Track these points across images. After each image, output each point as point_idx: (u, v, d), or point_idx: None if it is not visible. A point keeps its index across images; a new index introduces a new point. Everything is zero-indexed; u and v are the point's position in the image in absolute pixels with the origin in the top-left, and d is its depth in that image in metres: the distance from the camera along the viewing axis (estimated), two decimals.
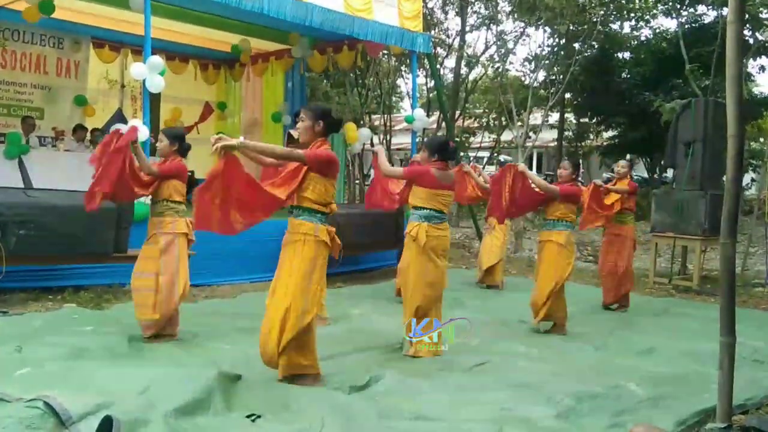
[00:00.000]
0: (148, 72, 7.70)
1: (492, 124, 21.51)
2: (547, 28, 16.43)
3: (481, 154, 23.38)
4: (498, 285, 8.90)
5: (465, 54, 18.47)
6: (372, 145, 18.53)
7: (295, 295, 4.20)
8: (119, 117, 11.38)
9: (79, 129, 10.61)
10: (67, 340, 5.07)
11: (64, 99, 11.36)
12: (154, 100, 9.16)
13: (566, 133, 22.18)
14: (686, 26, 16.38)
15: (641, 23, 18.47)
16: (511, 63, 19.09)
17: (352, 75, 17.76)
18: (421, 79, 18.23)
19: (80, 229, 6.44)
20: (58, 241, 6.41)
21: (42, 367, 4.31)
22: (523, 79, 19.24)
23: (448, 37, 19.18)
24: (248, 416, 3.67)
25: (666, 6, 16.94)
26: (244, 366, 4.59)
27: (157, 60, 7.82)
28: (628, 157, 22.10)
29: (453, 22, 20.02)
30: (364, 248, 9.12)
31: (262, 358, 4.38)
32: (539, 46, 17.79)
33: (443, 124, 16.36)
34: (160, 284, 5.31)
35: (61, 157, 9.55)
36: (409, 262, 5.37)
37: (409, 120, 11.29)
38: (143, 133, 7.51)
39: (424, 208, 5.32)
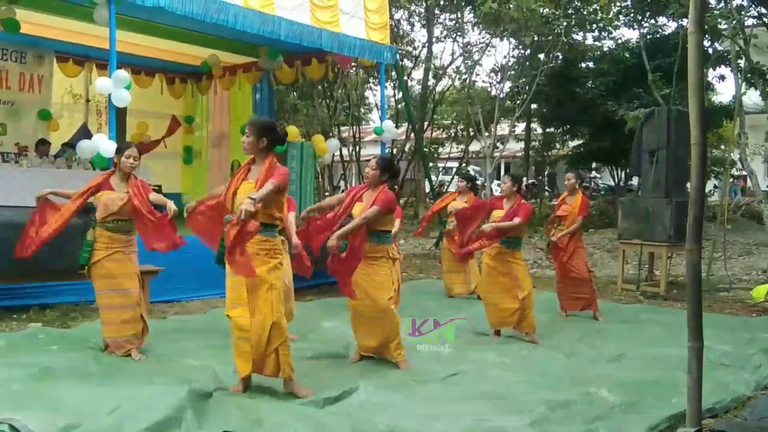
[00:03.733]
0: (114, 86, 7.62)
1: (460, 135, 21.68)
2: (512, 39, 16.64)
3: (449, 164, 23.53)
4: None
5: (432, 65, 18.62)
6: (341, 156, 18.55)
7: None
8: (84, 132, 11.22)
9: (41, 144, 10.41)
10: (33, 360, 4.96)
11: (28, 114, 11.16)
12: (120, 115, 9.06)
13: (533, 143, 22.43)
14: (647, 37, 16.69)
15: (604, 34, 18.79)
16: (477, 74, 19.29)
17: (320, 87, 17.78)
18: (389, 91, 18.34)
19: (44, 247, 6.30)
20: (22, 258, 6.27)
21: (7, 389, 4.22)
22: (489, 90, 19.43)
23: (414, 48, 19.32)
24: None
25: (628, 17, 17.24)
26: (216, 383, 4.54)
27: (123, 74, 7.74)
28: (593, 165, 22.46)
29: (419, 34, 20.18)
30: None
31: None
32: (505, 57, 17.97)
33: (412, 135, 16.44)
34: (138, 298, 5.44)
35: (25, 173, 9.37)
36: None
37: (378, 131, 11.32)
38: (109, 150, 7.41)
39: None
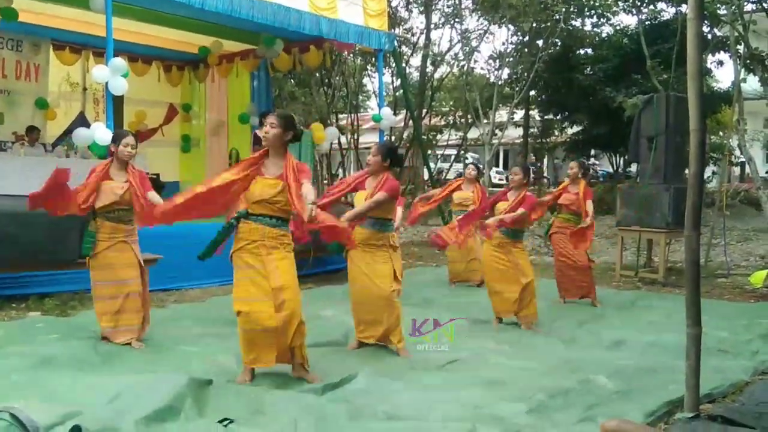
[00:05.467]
0: (111, 74, 7.58)
1: (458, 122, 21.63)
2: (510, 25, 16.58)
3: (448, 152, 23.51)
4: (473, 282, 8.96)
5: (430, 52, 18.55)
6: (339, 144, 18.52)
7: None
8: (82, 120, 11.18)
9: (30, 131, 10.39)
10: (32, 349, 4.97)
11: (25, 103, 11.12)
12: (117, 103, 9.01)
13: (531, 130, 22.41)
14: (646, 23, 16.63)
15: (602, 20, 18.73)
16: (475, 61, 19.26)
17: (318, 74, 17.71)
18: (387, 78, 18.28)
19: (43, 236, 6.32)
20: (21, 248, 6.28)
21: (7, 378, 4.23)
22: (488, 76, 19.38)
23: (412, 35, 19.25)
24: (220, 421, 3.63)
25: (626, 3, 17.19)
26: (215, 371, 4.56)
27: (120, 62, 7.70)
28: (592, 152, 22.42)
29: (417, 20, 20.10)
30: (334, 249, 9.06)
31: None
32: (503, 44, 17.92)
33: (410, 122, 16.41)
34: (140, 288, 5.42)
35: (22, 162, 9.35)
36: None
37: (377, 119, 11.29)
38: (105, 138, 7.40)
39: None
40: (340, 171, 20.91)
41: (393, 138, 18.76)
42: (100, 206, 5.29)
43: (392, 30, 12.91)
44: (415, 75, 20.23)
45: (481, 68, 20.38)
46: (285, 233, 4.47)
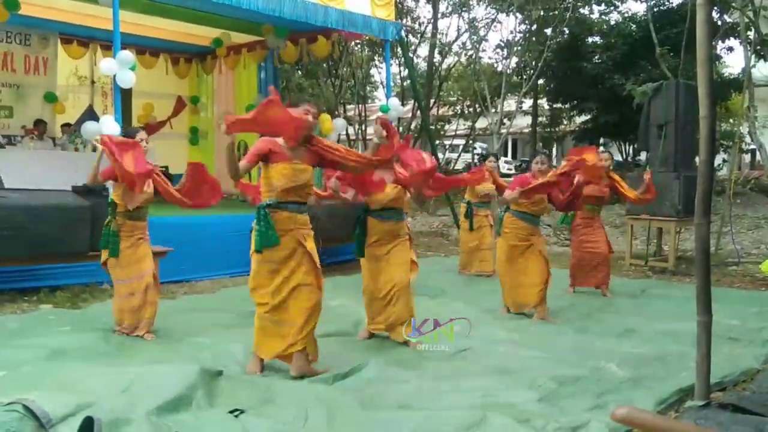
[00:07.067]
0: (119, 67, 7.60)
1: (466, 112, 21.58)
2: (518, 14, 16.50)
3: (456, 141, 23.46)
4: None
5: (438, 42, 18.49)
6: (347, 135, 18.50)
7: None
8: (90, 113, 11.22)
9: (36, 124, 10.45)
10: (44, 341, 5.00)
11: (34, 96, 11.17)
12: (125, 96, 9.05)
13: (540, 118, 22.33)
14: (654, 9, 16.51)
15: (610, 7, 18.62)
16: (483, 50, 19.22)
17: (325, 65, 17.69)
18: (394, 68, 18.22)
19: (54, 229, 6.34)
20: (32, 241, 6.30)
21: (19, 370, 4.25)
22: (496, 65, 19.31)
23: (420, 25, 19.19)
24: (231, 411, 3.65)
25: None
26: (226, 361, 4.58)
27: (127, 55, 7.72)
28: (601, 140, 22.29)
29: (425, 10, 20.04)
30: (342, 240, 9.06)
31: None
32: (511, 33, 17.86)
33: (418, 112, 16.37)
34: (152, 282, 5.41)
35: (33, 155, 9.40)
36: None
37: (384, 109, 11.27)
38: (113, 131, 7.42)
39: None
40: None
41: (401, 129, 18.74)
42: (134, 206, 5.21)
43: (399, 20, 12.87)
44: (423, 65, 20.19)
45: (489, 57, 20.40)
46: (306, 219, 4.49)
